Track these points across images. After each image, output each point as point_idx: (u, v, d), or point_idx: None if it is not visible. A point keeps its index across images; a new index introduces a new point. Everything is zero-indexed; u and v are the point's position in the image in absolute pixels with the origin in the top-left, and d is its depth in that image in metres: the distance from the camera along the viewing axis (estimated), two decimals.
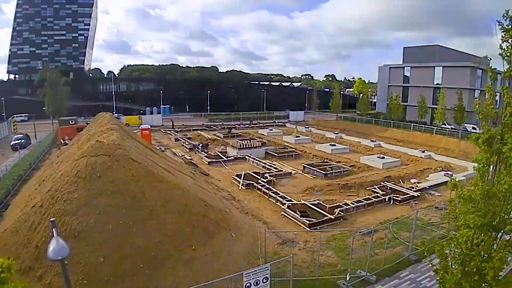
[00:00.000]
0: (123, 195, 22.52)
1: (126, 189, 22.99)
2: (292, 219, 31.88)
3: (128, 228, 21.11)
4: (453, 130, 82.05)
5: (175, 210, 23.90)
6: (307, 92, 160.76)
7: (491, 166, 13.74)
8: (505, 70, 13.33)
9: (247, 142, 63.68)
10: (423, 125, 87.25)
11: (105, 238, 20.22)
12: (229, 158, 57.72)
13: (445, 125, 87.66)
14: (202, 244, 23.16)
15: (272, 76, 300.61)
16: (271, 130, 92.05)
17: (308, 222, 30.31)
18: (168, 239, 22.03)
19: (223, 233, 25.44)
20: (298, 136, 79.19)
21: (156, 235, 21.70)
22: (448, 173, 46.90)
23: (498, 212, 13.02)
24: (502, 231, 13.40)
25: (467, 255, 13.55)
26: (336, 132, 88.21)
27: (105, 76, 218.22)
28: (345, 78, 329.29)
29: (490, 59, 14.41)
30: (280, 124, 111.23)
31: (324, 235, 27.94)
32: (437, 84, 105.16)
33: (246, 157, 57.36)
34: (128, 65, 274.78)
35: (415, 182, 44.27)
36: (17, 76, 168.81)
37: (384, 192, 38.95)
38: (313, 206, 34.11)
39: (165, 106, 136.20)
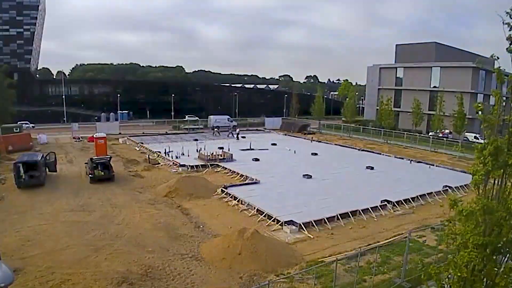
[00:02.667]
0: None
1: None
2: None
3: None
4: (452, 140, 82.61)
5: None
6: (286, 95, 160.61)
7: (495, 180, 13.56)
8: None
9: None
10: (418, 134, 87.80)
11: None
12: None
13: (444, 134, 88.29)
14: None
15: (246, 78, 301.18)
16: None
17: None
18: None
19: None
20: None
21: None
22: None
23: (505, 233, 12.86)
24: (508, 254, 13.27)
25: (468, 280, 13.37)
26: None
27: (54, 77, 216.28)
28: (329, 79, 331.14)
29: (498, 57, 14.09)
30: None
31: (306, 259, 27.72)
32: (434, 87, 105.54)
33: None
34: (80, 64, 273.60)
35: None
36: None
37: None
38: None
39: (123, 111, 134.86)
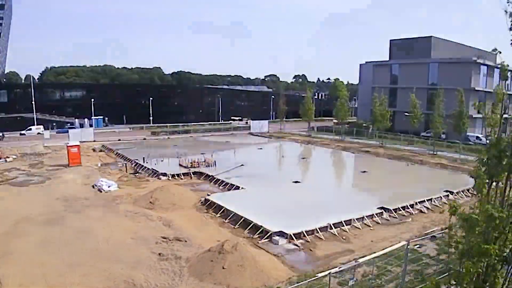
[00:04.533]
0: None
1: None
2: None
3: None
4: (452, 141, 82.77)
5: None
6: (273, 97, 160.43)
7: (498, 184, 13.48)
8: None
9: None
10: (415, 136, 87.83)
11: None
12: None
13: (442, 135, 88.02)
14: None
15: (229, 78, 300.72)
16: None
17: None
18: None
19: None
20: None
21: None
22: None
23: (510, 242, 12.76)
24: None
25: None
26: None
27: (23, 81, 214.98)
28: (318, 79, 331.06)
29: (500, 52, 13.96)
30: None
31: (296, 272, 27.62)
32: (432, 84, 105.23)
33: None
34: (51, 67, 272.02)
35: None
36: None
37: None
38: None
39: (98, 117, 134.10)
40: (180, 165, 63.40)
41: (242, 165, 64.36)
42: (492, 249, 12.27)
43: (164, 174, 58.03)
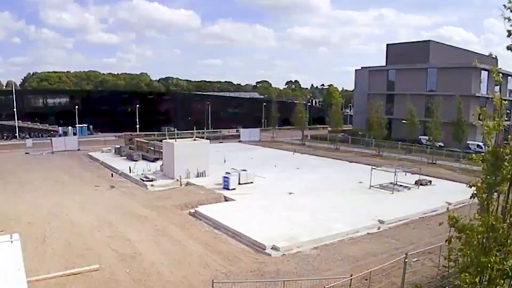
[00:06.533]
0: None
1: None
2: None
3: None
4: (451, 150, 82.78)
5: None
6: (264, 104, 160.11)
7: (496, 194, 13.38)
8: None
9: None
10: (413, 144, 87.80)
11: None
12: None
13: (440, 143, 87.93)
14: None
15: (219, 85, 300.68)
16: None
17: None
18: None
19: None
20: None
21: None
22: None
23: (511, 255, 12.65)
24: None
25: None
26: None
27: (4, 87, 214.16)
28: (312, 85, 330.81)
29: (496, 56, 13.88)
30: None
31: None
32: (431, 90, 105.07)
33: None
34: (34, 73, 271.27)
35: None
36: None
37: None
38: None
39: (83, 125, 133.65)
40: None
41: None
42: (492, 262, 12.15)
43: (149, 181, 58.49)
